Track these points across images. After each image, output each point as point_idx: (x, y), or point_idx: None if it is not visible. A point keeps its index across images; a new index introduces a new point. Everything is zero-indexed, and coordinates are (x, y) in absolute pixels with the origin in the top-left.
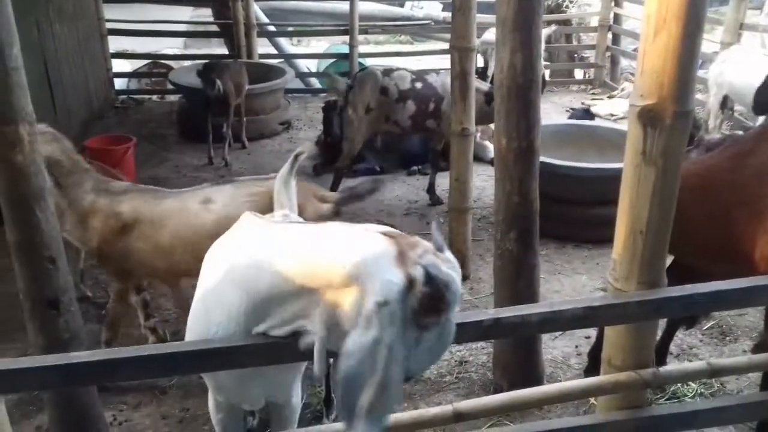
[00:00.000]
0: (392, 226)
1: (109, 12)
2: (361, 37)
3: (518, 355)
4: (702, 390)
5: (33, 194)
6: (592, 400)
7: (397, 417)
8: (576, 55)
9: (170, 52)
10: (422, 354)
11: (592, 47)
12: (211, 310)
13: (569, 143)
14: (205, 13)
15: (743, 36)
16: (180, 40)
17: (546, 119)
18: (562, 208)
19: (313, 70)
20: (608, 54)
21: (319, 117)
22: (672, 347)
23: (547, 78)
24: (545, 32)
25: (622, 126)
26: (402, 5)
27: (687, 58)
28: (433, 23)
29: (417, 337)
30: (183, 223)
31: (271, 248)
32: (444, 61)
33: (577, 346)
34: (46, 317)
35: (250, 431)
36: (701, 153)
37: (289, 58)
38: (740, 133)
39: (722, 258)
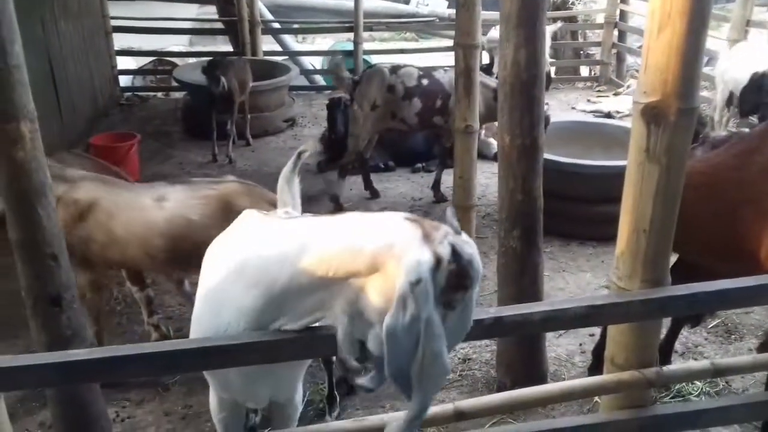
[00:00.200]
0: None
1: (115, 9)
2: (365, 34)
3: (522, 353)
4: (707, 389)
5: (34, 191)
6: (596, 398)
7: (396, 416)
8: (582, 52)
9: (175, 49)
10: (446, 335)
11: (598, 44)
12: (220, 308)
13: (575, 140)
14: (211, 11)
15: (750, 33)
16: (185, 38)
17: (551, 117)
18: (567, 205)
19: (318, 67)
20: (614, 51)
21: (324, 114)
22: (677, 345)
23: (552, 75)
24: (551, 29)
25: (628, 123)
26: (407, 2)
27: (691, 54)
28: (437, 20)
29: (442, 317)
30: (135, 217)
31: (289, 242)
32: (449, 58)
33: (581, 344)
34: (48, 314)
35: (253, 429)
36: (707, 150)
37: (293, 55)
38: (746, 130)
39: (727, 257)
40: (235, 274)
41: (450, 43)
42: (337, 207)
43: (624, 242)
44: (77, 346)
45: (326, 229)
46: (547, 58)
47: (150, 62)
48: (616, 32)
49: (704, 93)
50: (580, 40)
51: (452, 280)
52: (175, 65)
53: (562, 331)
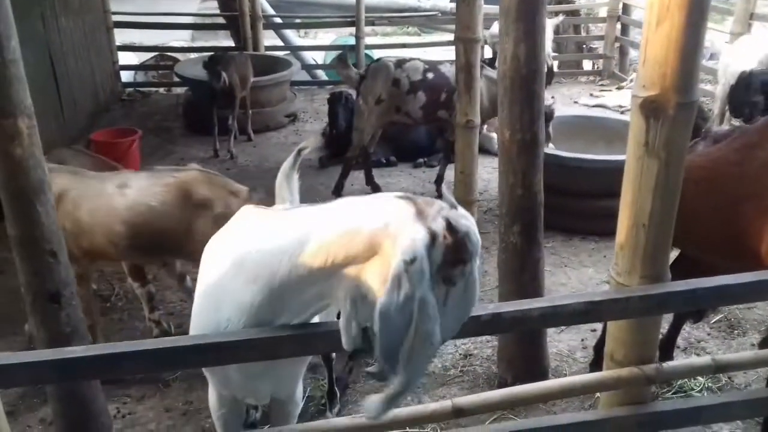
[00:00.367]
0: None
1: (116, 5)
2: (368, 29)
3: (523, 349)
4: (709, 384)
5: (32, 188)
6: (597, 394)
7: (394, 413)
8: (584, 46)
9: (177, 44)
10: (450, 314)
11: (601, 38)
12: (219, 304)
13: (577, 135)
14: (213, 6)
15: (753, 26)
16: (187, 33)
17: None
18: (570, 200)
19: (320, 62)
20: (617, 45)
21: (326, 109)
22: (679, 341)
23: (555, 69)
24: (553, 23)
25: None
26: None
27: (690, 48)
28: (440, 14)
29: (444, 294)
30: (98, 204)
31: (287, 235)
32: (451, 53)
33: (583, 340)
34: (47, 311)
35: (253, 425)
36: (708, 145)
37: (295, 50)
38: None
39: (728, 252)
40: (234, 270)
41: (452, 37)
42: None
43: (623, 237)
44: (77, 342)
45: (321, 218)
46: (550, 51)
47: (152, 58)
48: (619, 26)
49: (707, 87)
50: (583, 33)
51: (449, 254)
52: (176, 60)
53: (563, 327)
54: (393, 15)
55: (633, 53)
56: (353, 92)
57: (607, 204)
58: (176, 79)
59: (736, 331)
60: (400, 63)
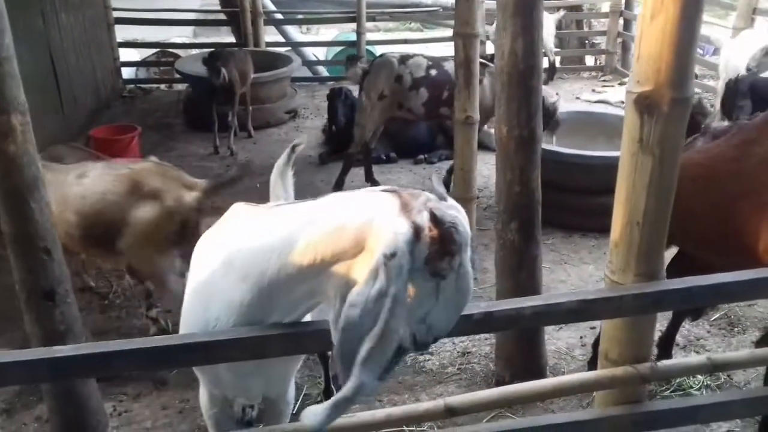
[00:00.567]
0: None
1: (118, 1)
2: (370, 25)
3: (521, 347)
4: (708, 382)
5: (26, 185)
6: (595, 392)
7: (387, 412)
8: (587, 42)
9: (179, 40)
10: (444, 307)
11: (603, 33)
12: (209, 303)
13: (577, 131)
14: (215, 2)
15: (756, 21)
16: (189, 29)
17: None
18: (570, 196)
19: (322, 58)
20: (619, 40)
21: (326, 105)
22: (678, 338)
23: (557, 65)
24: (555, 18)
25: None
26: None
27: (685, 42)
28: (441, 10)
29: (435, 288)
30: (58, 193)
31: (275, 233)
32: (452, 48)
33: (581, 337)
34: (42, 308)
35: (249, 423)
36: (707, 141)
37: (296, 46)
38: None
39: (725, 250)
40: (224, 268)
41: None
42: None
43: (617, 235)
44: (71, 340)
45: (309, 215)
46: (552, 47)
47: (153, 54)
48: (621, 21)
49: (710, 82)
50: (585, 29)
51: (435, 247)
52: (177, 57)
53: (562, 324)
54: (394, 11)
55: None
56: (353, 88)
57: (607, 200)
58: (177, 76)
59: (736, 329)
60: (404, 59)
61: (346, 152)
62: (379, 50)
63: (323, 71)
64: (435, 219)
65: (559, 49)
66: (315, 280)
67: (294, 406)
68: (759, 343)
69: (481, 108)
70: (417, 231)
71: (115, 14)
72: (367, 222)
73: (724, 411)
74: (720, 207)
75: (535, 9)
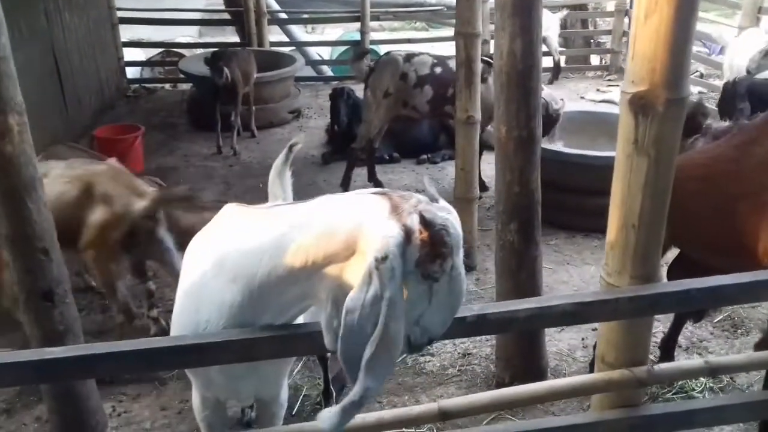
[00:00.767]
0: None
1: (124, 1)
2: (375, 24)
3: (521, 348)
4: (711, 384)
5: (24, 185)
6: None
7: (378, 415)
8: (592, 41)
9: (184, 40)
10: (438, 310)
11: (609, 33)
12: (199, 305)
13: (580, 131)
14: (220, 1)
15: (762, 20)
16: (194, 29)
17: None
18: (572, 197)
19: (326, 57)
20: (625, 39)
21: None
22: (681, 340)
23: (562, 64)
24: (559, 17)
25: None
26: None
27: (680, 42)
28: (446, 9)
29: (427, 291)
30: None
31: (266, 235)
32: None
33: (583, 339)
34: (40, 309)
35: (248, 424)
36: (708, 141)
37: (300, 45)
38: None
39: (726, 252)
40: (215, 270)
41: None
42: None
43: (613, 237)
44: (71, 341)
45: (300, 218)
46: (557, 46)
47: (158, 54)
48: (626, 20)
49: (715, 82)
50: (591, 28)
51: (427, 248)
52: (182, 56)
53: (558, 327)
54: (398, 10)
55: None
56: (355, 88)
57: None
58: (181, 76)
59: (739, 331)
60: (409, 57)
61: (350, 148)
62: (383, 49)
63: (327, 71)
64: (425, 222)
65: (564, 49)
66: (306, 283)
67: (294, 408)
68: (758, 347)
69: (485, 107)
70: (407, 234)
71: (120, 14)
72: (357, 225)
73: (722, 415)
74: (720, 208)
75: (533, 9)
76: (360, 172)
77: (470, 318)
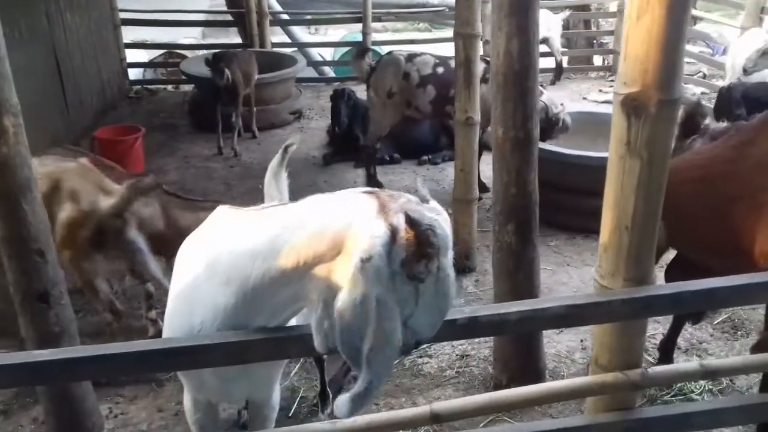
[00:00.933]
0: None
1: (126, 2)
2: (378, 25)
3: (519, 350)
4: (710, 387)
5: (19, 187)
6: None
7: (369, 419)
8: (595, 42)
9: (188, 41)
10: (425, 312)
11: (611, 33)
12: (193, 307)
13: (580, 131)
14: (223, 3)
15: (765, 21)
16: (198, 30)
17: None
18: (573, 198)
19: (328, 58)
20: None
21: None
22: (681, 342)
23: (564, 65)
24: (561, 17)
25: None
26: None
27: (672, 43)
28: (447, 10)
29: (413, 292)
30: None
31: (259, 237)
32: None
33: (582, 341)
34: (36, 310)
35: (244, 426)
36: (706, 142)
37: (302, 46)
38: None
39: (723, 253)
40: (208, 272)
41: None
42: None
43: (606, 239)
44: (66, 342)
45: (293, 218)
46: (559, 47)
47: (160, 55)
48: None
49: (719, 82)
50: (593, 29)
51: (412, 249)
52: (185, 58)
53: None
54: (400, 11)
55: None
56: (356, 89)
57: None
58: (183, 77)
59: (739, 332)
60: (411, 57)
61: (361, 145)
62: (385, 50)
63: (329, 72)
64: (411, 221)
65: (566, 49)
66: (298, 284)
67: (290, 410)
68: (754, 349)
69: (485, 108)
70: (393, 233)
71: (123, 15)
72: (345, 225)
73: (719, 418)
74: (717, 209)
75: (530, 9)
76: (360, 173)
77: (461, 320)
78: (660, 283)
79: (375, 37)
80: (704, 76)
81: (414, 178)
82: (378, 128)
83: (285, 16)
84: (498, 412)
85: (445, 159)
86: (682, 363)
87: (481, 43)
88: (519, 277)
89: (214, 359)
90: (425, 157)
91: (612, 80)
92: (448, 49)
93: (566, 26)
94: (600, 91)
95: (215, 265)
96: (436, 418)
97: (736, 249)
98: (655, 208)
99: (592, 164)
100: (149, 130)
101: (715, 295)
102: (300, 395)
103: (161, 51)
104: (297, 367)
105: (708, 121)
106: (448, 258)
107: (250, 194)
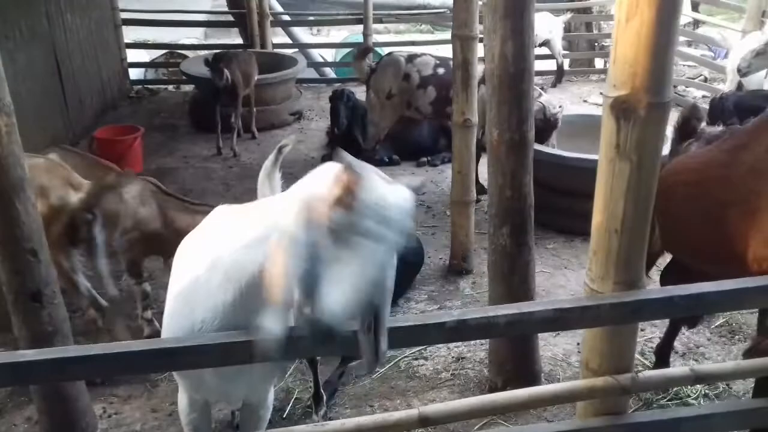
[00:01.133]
0: None
1: (128, 2)
2: (380, 26)
3: (514, 352)
4: (706, 391)
5: (12, 186)
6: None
7: (359, 421)
8: (596, 44)
9: (189, 41)
10: (336, 284)
11: None
12: (193, 306)
13: (579, 134)
14: (225, 3)
15: (766, 24)
16: (200, 30)
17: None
18: (571, 200)
19: (329, 59)
20: None
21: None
22: (678, 346)
23: (565, 67)
24: (563, 20)
25: None
26: None
27: (661, 46)
28: (449, 11)
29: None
30: None
31: (254, 231)
32: None
33: (578, 344)
34: (29, 310)
35: (238, 427)
36: (701, 146)
37: (303, 47)
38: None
39: (716, 257)
40: (208, 271)
41: None
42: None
43: (596, 243)
44: (59, 342)
45: (281, 208)
46: (560, 50)
47: (161, 55)
48: None
49: (720, 86)
50: (595, 31)
51: (338, 193)
52: (185, 58)
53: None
54: (401, 13)
55: None
56: (355, 90)
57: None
58: (184, 77)
59: (736, 337)
60: (411, 58)
61: (363, 150)
62: (385, 51)
63: (330, 73)
64: (348, 166)
65: (567, 52)
66: None
67: (284, 411)
68: (746, 354)
69: (485, 109)
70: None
71: (124, 16)
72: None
73: (710, 423)
74: (711, 213)
75: (525, 11)
76: None
77: (450, 323)
78: (651, 287)
79: (376, 38)
80: (706, 80)
81: (413, 180)
82: (376, 130)
83: (286, 17)
84: (491, 415)
85: (444, 161)
86: (672, 368)
87: (479, 45)
88: (514, 280)
89: (200, 361)
90: (424, 159)
91: None
92: (449, 51)
93: (568, 29)
94: (601, 94)
95: (215, 263)
96: (424, 421)
97: (730, 253)
98: (645, 211)
99: (591, 167)
100: (149, 130)
101: (704, 299)
102: (294, 396)
103: (162, 51)
104: (291, 368)
105: (704, 124)
106: (385, 235)
107: (249, 195)
